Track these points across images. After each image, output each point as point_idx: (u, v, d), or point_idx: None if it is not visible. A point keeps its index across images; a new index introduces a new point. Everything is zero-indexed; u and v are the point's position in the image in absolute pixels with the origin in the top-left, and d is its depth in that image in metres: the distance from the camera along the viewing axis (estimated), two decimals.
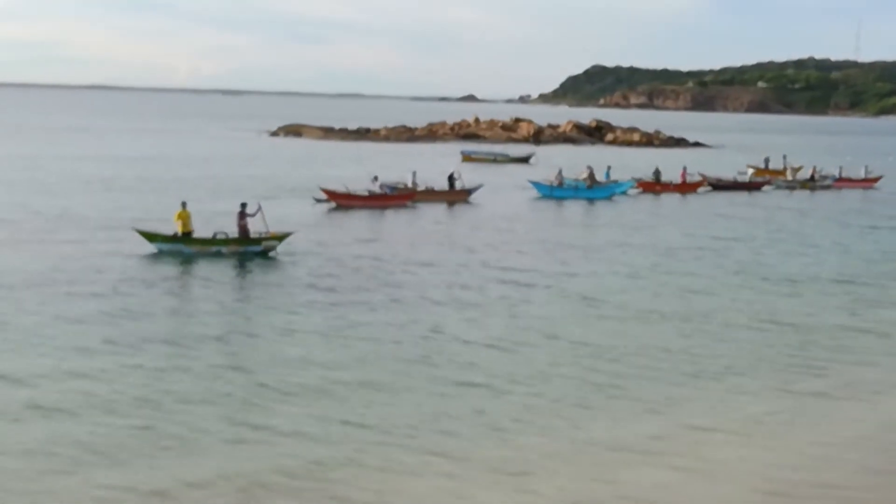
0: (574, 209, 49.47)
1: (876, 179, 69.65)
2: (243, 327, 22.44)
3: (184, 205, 31.82)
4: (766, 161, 74.58)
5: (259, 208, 32.03)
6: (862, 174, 69.88)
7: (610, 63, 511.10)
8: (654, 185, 59.04)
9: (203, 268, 29.59)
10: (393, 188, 47.85)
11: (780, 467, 14.99)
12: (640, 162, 74.27)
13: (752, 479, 14.55)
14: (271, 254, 31.52)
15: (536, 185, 54.90)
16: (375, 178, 47.87)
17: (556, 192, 53.96)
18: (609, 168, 60.22)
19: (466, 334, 22.13)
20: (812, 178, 66.86)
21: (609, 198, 54.18)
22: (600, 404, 17.69)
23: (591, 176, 55.22)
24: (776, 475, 14.68)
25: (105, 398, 17.04)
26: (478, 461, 14.83)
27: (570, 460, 15.00)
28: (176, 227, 31.44)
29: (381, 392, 17.81)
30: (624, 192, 56.54)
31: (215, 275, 28.62)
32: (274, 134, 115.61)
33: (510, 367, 19.72)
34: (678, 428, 16.52)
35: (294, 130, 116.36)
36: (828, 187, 66.02)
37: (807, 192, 63.42)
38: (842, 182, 67.54)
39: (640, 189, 58.56)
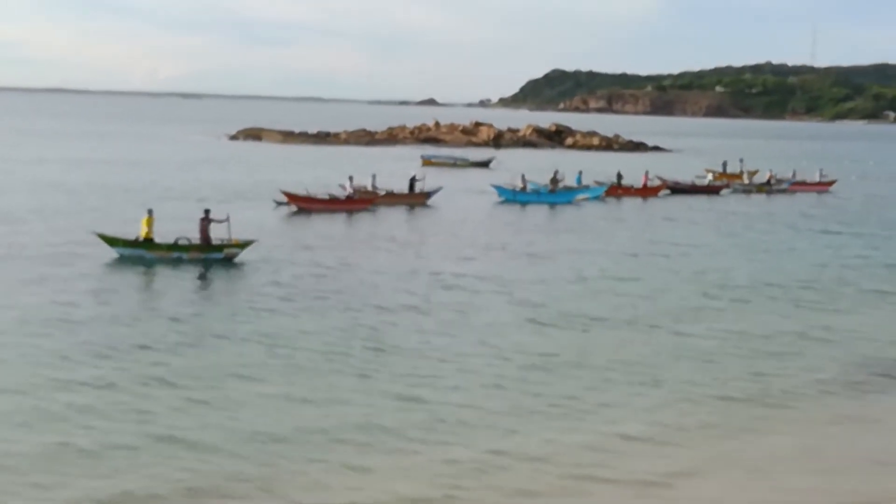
0: (535, 214, 49.67)
1: (831, 183, 70.70)
2: (191, 337, 21.95)
3: (150, 212, 31.75)
4: (724, 165, 75.42)
5: (227, 218, 31.89)
6: (817, 178, 71.02)
7: (570, 67, 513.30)
8: (616, 189, 59.53)
9: (163, 274, 29.48)
10: (355, 191, 47.98)
11: (718, 479, 14.99)
12: (601, 166, 74.65)
13: (686, 492, 14.54)
14: (233, 261, 31.51)
15: (499, 188, 55.17)
16: (351, 179, 47.99)
17: (518, 196, 54.29)
18: (580, 173, 60.56)
19: (411, 344, 22.00)
20: (768, 181, 67.79)
21: (571, 202, 54.57)
22: (537, 415, 17.56)
23: (554, 180, 55.61)
24: (712, 490, 14.62)
25: (34, 408, 16.88)
26: (407, 477, 14.60)
27: (497, 474, 14.83)
28: (139, 232, 31.30)
29: (313, 405, 17.59)
30: (597, 198, 56.97)
31: (174, 282, 28.52)
32: (233, 138, 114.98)
33: (450, 377, 19.59)
34: (615, 439, 16.43)
35: (254, 134, 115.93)
36: (783, 191, 67.01)
37: (763, 196, 64.31)
38: (797, 186, 68.57)
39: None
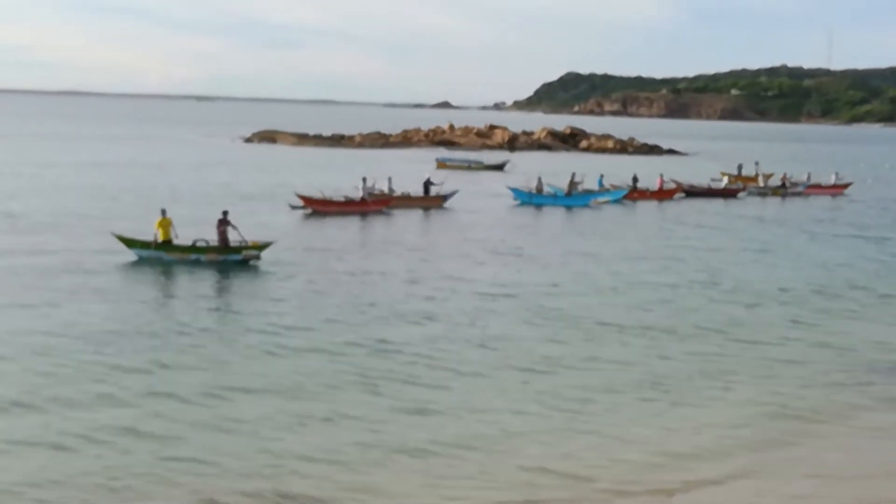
0: (551, 217, 49.67)
1: (845, 186, 70.55)
2: (202, 346, 21.64)
3: (164, 212, 31.84)
4: (739, 168, 75.35)
5: (234, 226, 31.86)
6: (832, 181, 70.92)
7: (584, 70, 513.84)
8: (632, 193, 59.47)
9: (180, 277, 29.63)
10: (370, 194, 48.09)
11: (729, 487, 14.91)
12: (615, 169, 74.48)
13: (699, 500, 14.47)
14: (252, 263, 31.61)
15: (515, 191, 55.23)
16: (364, 181, 48.16)
17: (535, 198, 54.33)
18: (602, 176, 60.62)
19: (418, 350, 21.63)
20: (783, 184, 67.79)
21: (588, 205, 54.61)
22: (540, 421, 17.37)
23: (572, 182, 55.61)
24: (724, 499, 14.56)
25: (38, 419, 16.68)
26: (413, 490, 14.47)
27: (500, 485, 14.61)
28: (156, 234, 31.37)
29: (318, 417, 17.20)
30: (618, 201, 57.02)
31: (191, 285, 28.63)
32: (248, 140, 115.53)
33: (461, 387, 19.27)
34: (623, 447, 16.27)
35: (268, 137, 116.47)
36: (799, 194, 66.94)
37: (778, 199, 64.27)
38: (812, 189, 68.47)
39: None
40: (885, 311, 28.29)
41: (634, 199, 58.61)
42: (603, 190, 58.32)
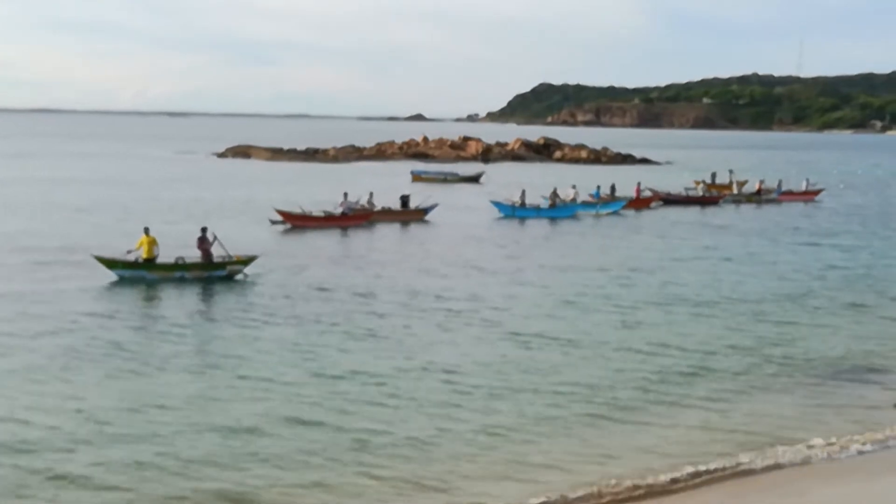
0: (532, 230, 49.50)
1: (817, 192, 71.70)
2: (176, 367, 21.39)
3: (147, 230, 31.70)
4: (713, 176, 76.13)
5: (215, 238, 31.99)
6: (803, 187, 72.05)
7: (557, 81, 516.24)
8: (610, 202, 59.65)
9: (162, 295, 29.30)
10: (351, 208, 48.16)
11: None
12: (590, 179, 74.69)
13: None
14: (237, 277, 31.60)
15: (498, 205, 55.27)
16: (346, 195, 48.29)
17: (518, 211, 54.45)
18: (598, 187, 61.04)
19: (374, 369, 21.22)
20: (758, 192, 68.87)
21: (571, 216, 54.83)
22: (463, 445, 17.01)
23: (554, 194, 55.83)
24: None
25: (45, 437, 16.70)
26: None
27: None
28: (140, 253, 31.20)
29: (251, 444, 16.75)
30: (616, 212, 57.42)
31: (172, 303, 28.37)
32: (222, 155, 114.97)
33: (396, 411, 18.71)
34: (535, 463, 16.14)
35: (242, 152, 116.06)
36: (772, 200, 68.02)
37: (753, 206, 65.21)
38: (785, 195, 69.53)
39: None
40: (848, 319, 28.15)
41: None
42: (601, 201, 58.62)
